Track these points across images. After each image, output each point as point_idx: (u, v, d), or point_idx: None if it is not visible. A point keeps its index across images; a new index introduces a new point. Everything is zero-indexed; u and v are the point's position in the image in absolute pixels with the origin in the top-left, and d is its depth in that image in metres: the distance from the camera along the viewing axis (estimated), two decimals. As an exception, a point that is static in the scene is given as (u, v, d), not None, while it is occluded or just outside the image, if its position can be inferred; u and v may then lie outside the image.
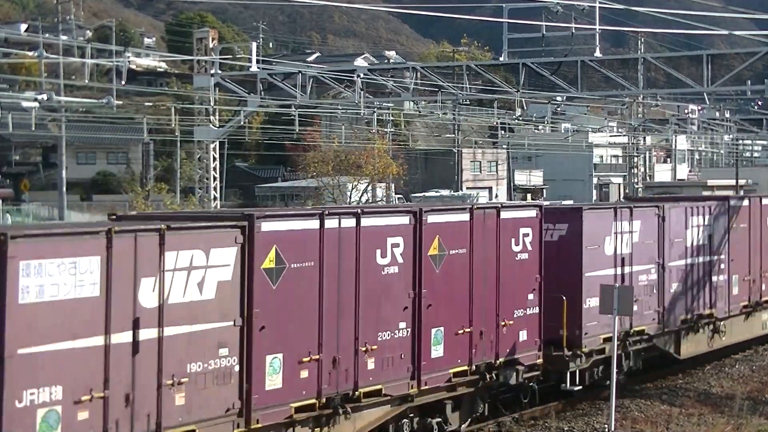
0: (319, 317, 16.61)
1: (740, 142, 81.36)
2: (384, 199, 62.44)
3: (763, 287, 30.54)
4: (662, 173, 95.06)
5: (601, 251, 23.44)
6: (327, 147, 64.62)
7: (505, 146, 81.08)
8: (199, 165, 41.33)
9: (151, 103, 61.32)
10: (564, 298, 22.04)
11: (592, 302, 22.65)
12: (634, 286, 23.54)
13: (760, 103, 56.29)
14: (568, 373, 22.74)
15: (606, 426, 21.19)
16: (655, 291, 25.36)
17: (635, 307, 23.39)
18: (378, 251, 17.66)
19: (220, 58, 39.03)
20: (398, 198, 64.65)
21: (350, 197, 61.45)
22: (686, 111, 75.47)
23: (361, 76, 35.24)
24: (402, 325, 18.11)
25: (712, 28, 26.66)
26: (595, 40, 32.99)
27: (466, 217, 19.53)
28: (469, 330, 19.51)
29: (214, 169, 40.73)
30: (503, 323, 20.28)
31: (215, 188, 41.04)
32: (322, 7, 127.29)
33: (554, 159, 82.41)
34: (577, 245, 22.76)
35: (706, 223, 27.57)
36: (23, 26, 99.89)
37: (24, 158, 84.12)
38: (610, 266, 23.68)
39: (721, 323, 28.49)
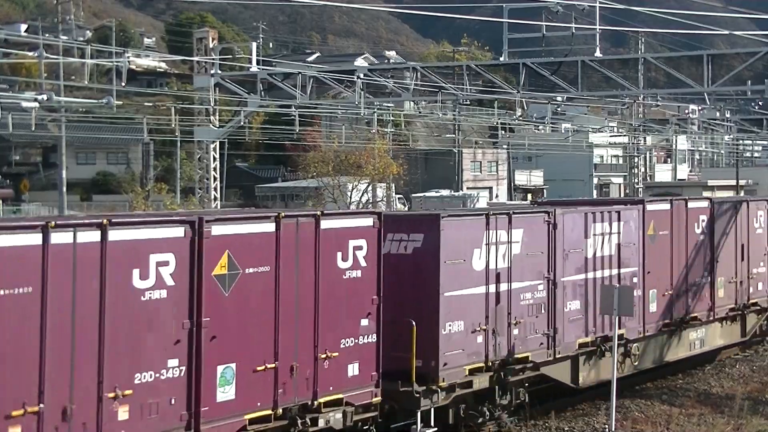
0: (41, 358, 13.14)
1: (740, 142, 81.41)
2: (384, 199, 62.45)
3: (690, 303, 26.80)
4: (663, 173, 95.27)
5: (468, 266, 19.69)
6: (327, 147, 64.63)
7: (505, 146, 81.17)
8: (199, 165, 41.39)
9: (151, 104, 61.32)
10: (413, 322, 18.51)
11: (453, 327, 19.26)
12: (513, 306, 20.63)
13: (760, 103, 56.30)
14: (419, 413, 18.95)
15: (606, 426, 21.19)
16: (543, 311, 21.51)
17: (516, 331, 20.69)
18: (136, 272, 14.32)
19: (220, 59, 39.12)
20: (398, 198, 64.71)
21: (350, 197, 61.46)
22: (686, 111, 75.50)
23: (361, 76, 35.32)
24: (172, 363, 14.78)
25: (713, 28, 26.72)
26: (595, 40, 33.07)
27: (270, 227, 16.16)
28: (273, 366, 16.10)
29: (215, 169, 40.79)
30: (324, 356, 16.89)
31: (215, 188, 41.12)
32: (322, 7, 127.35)
33: (554, 159, 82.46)
34: (434, 259, 19.02)
35: (614, 230, 23.77)
36: (23, 26, 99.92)
37: (24, 158, 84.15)
38: (480, 284, 19.94)
39: (634, 345, 24.84)
